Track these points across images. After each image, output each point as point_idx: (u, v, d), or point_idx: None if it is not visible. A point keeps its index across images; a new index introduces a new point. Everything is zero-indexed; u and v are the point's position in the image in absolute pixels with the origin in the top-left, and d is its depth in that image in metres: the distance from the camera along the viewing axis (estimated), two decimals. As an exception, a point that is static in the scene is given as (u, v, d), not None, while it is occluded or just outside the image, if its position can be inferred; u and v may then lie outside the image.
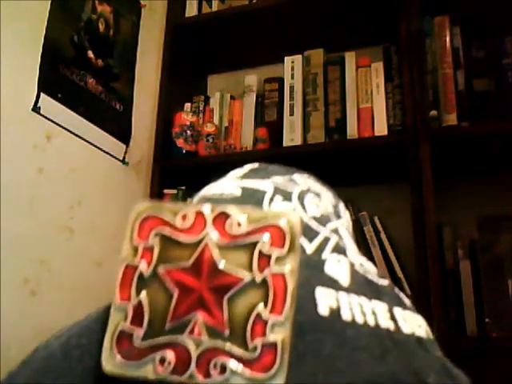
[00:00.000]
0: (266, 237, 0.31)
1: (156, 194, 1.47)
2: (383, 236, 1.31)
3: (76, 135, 1.29)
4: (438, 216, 1.19)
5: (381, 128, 1.35)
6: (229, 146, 1.53)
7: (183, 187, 1.47)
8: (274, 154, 1.41)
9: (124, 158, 1.47)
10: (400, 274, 1.25)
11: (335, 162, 1.40)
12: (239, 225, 0.31)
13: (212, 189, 0.45)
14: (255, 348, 0.28)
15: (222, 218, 0.31)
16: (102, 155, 1.38)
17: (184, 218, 0.32)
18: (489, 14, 1.35)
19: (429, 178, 1.18)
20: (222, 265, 0.30)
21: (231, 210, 0.32)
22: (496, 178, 1.35)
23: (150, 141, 1.57)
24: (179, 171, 1.52)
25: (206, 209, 0.32)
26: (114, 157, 1.43)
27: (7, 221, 1.07)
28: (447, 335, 1.10)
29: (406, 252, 1.26)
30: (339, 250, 0.39)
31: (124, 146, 1.47)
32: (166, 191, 1.48)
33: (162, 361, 0.29)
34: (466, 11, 1.34)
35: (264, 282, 0.30)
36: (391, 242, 1.30)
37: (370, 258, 1.29)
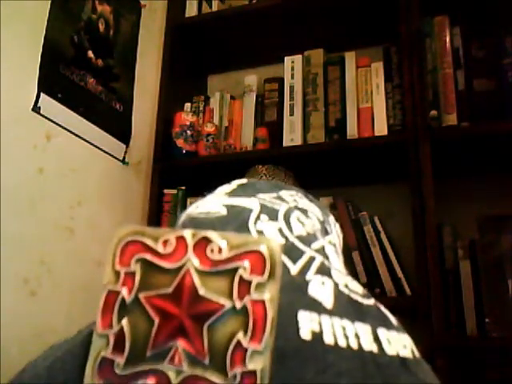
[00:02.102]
0: (246, 263, 0.31)
1: (156, 193, 1.47)
2: (383, 236, 1.31)
3: (76, 135, 1.29)
4: (438, 216, 1.19)
5: (381, 128, 1.35)
6: (229, 146, 1.53)
7: (183, 187, 1.47)
8: (274, 154, 1.41)
9: (124, 157, 1.47)
10: (400, 274, 1.25)
11: (335, 161, 1.40)
12: (220, 251, 0.31)
13: (199, 207, 0.45)
14: (235, 376, 0.28)
15: (203, 244, 0.31)
16: (102, 155, 1.38)
17: (165, 243, 0.32)
18: (489, 14, 1.35)
19: (429, 178, 1.18)
20: (202, 292, 0.30)
21: (212, 235, 0.32)
22: (496, 178, 1.35)
23: (149, 141, 1.57)
24: (179, 171, 1.51)
25: (187, 234, 0.32)
26: (114, 157, 1.43)
27: (7, 221, 1.07)
28: (447, 335, 1.10)
29: (406, 252, 1.26)
30: (324, 271, 0.39)
31: (124, 146, 1.47)
32: (165, 191, 1.48)
33: None
34: (466, 11, 1.34)
35: (244, 309, 0.30)
36: (391, 242, 1.30)
37: (370, 257, 1.29)
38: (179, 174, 1.50)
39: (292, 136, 1.43)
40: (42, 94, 1.20)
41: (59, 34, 1.28)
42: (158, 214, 1.46)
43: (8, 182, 1.09)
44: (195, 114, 1.59)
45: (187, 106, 1.65)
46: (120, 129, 1.47)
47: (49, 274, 1.17)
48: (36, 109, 1.19)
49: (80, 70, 1.33)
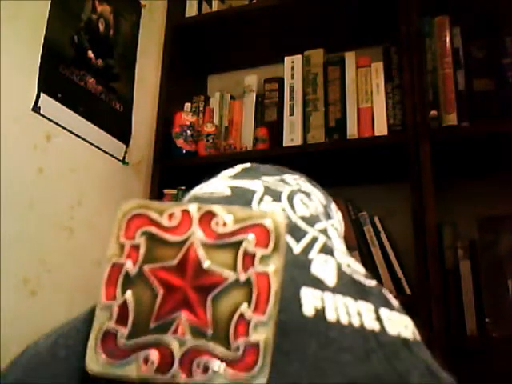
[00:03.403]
0: (250, 236, 0.31)
1: (156, 193, 1.47)
2: (383, 236, 1.31)
3: (76, 135, 1.29)
4: (438, 216, 1.19)
5: (381, 128, 1.35)
6: (229, 146, 1.53)
7: (183, 187, 1.47)
8: (274, 154, 1.41)
9: (124, 157, 1.47)
10: (400, 274, 1.25)
11: (335, 161, 1.40)
12: (225, 224, 0.31)
13: (203, 188, 0.45)
14: (238, 348, 0.29)
15: (208, 217, 0.32)
16: (102, 155, 1.38)
17: (170, 216, 0.32)
18: (489, 14, 1.35)
19: (429, 178, 1.18)
20: (206, 264, 0.30)
21: (217, 209, 0.32)
22: (496, 178, 1.35)
23: (150, 141, 1.57)
24: (179, 171, 1.51)
25: (193, 208, 0.32)
26: (114, 157, 1.43)
27: (7, 221, 1.07)
28: (447, 335, 1.10)
29: (405, 252, 1.26)
30: (326, 250, 0.39)
31: (124, 146, 1.47)
32: (165, 191, 1.48)
33: (146, 360, 0.29)
34: (466, 11, 1.34)
35: (248, 281, 0.30)
36: (391, 242, 1.30)
37: (370, 257, 1.29)
38: (179, 174, 1.50)
39: (292, 136, 1.43)
40: (42, 94, 1.20)
41: (59, 34, 1.28)
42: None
43: (8, 181, 1.09)
44: (195, 114, 1.59)
45: (187, 105, 1.65)
46: (120, 129, 1.47)
47: (49, 273, 1.17)
48: (36, 109, 1.19)
49: (80, 70, 1.33)
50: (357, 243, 1.31)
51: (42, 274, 1.16)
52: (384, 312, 0.35)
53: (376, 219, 1.33)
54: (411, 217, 1.19)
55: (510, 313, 1.12)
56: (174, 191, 1.48)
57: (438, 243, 1.19)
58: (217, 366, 0.28)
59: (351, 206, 1.36)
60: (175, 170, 1.52)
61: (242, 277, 0.30)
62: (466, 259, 1.19)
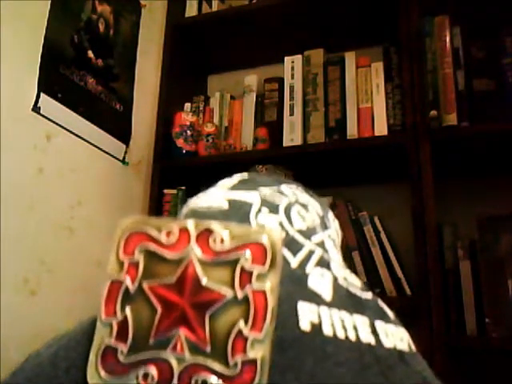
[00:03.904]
0: (247, 254, 0.31)
1: (156, 194, 1.47)
2: (383, 236, 1.31)
3: (76, 135, 1.30)
4: (438, 216, 1.19)
5: (381, 128, 1.35)
6: (229, 146, 1.53)
7: (183, 187, 1.47)
8: (274, 154, 1.41)
9: (124, 157, 1.47)
10: (400, 274, 1.25)
11: (335, 161, 1.40)
12: (222, 241, 0.32)
13: (201, 201, 0.45)
14: (236, 364, 0.29)
15: (205, 235, 0.32)
16: (102, 155, 1.38)
17: (169, 234, 0.32)
18: (489, 14, 1.35)
19: (429, 177, 1.18)
20: (204, 281, 0.31)
21: (215, 226, 0.32)
22: (496, 178, 1.35)
23: (150, 141, 1.57)
24: (179, 171, 1.51)
25: (190, 225, 0.32)
26: (114, 157, 1.43)
27: (7, 221, 1.07)
28: (447, 335, 1.10)
29: (406, 252, 1.26)
30: (323, 263, 0.39)
31: (124, 146, 1.47)
32: (165, 191, 1.48)
33: (146, 376, 0.29)
34: (466, 11, 1.34)
35: (245, 298, 0.30)
36: (391, 242, 1.30)
37: (370, 257, 1.29)
38: (179, 174, 1.50)
39: (292, 136, 1.43)
40: (42, 94, 1.20)
41: (59, 33, 1.28)
42: (158, 214, 1.46)
43: (8, 182, 1.09)
44: (195, 114, 1.59)
45: (187, 105, 1.65)
46: (120, 129, 1.47)
47: (49, 273, 1.17)
48: (36, 109, 1.19)
49: (80, 70, 1.33)
50: (357, 243, 1.31)
51: (42, 274, 1.16)
52: (380, 325, 0.36)
53: (376, 219, 1.33)
54: (411, 217, 1.19)
55: (510, 313, 1.12)
56: (174, 191, 1.48)
57: (438, 243, 1.19)
58: (215, 382, 0.29)
59: (351, 206, 1.36)
60: (175, 170, 1.52)
61: (240, 294, 0.31)
62: (465, 259, 1.19)
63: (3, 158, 1.09)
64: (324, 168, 1.43)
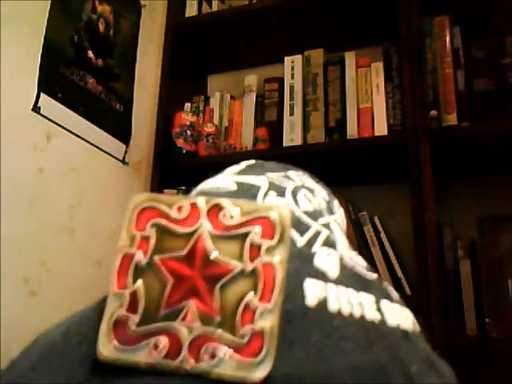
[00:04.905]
0: (257, 228, 0.32)
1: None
2: (383, 236, 1.31)
3: (76, 135, 1.30)
4: (438, 216, 1.19)
5: (381, 128, 1.35)
6: (229, 146, 1.53)
7: (183, 187, 1.47)
8: (274, 154, 1.41)
9: (124, 157, 1.47)
10: (400, 274, 1.25)
11: (335, 161, 1.40)
12: (232, 216, 0.32)
13: (209, 183, 0.46)
14: (244, 335, 0.30)
15: (215, 210, 0.33)
16: (102, 155, 1.38)
17: (180, 209, 0.33)
18: (489, 14, 1.35)
19: (429, 178, 1.18)
20: (214, 255, 0.32)
21: (225, 202, 0.33)
22: (496, 178, 1.35)
23: (150, 141, 1.57)
24: (179, 171, 1.52)
25: (201, 201, 0.33)
26: (114, 157, 1.43)
27: (7, 221, 1.07)
28: (447, 335, 1.10)
29: (406, 252, 1.26)
30: (329, 243, 0.40)
31: (124, 146, 1.47)
32: (165, 191, 1.48)
33: (156, 346, 0.30)
34: (466, 11, 1.34)
35: (254, 271, 0.31)
36: (391, 242, 1.30)
37: (370, 257, 1.29)
38: (179, 174, 1.50)
39: (292, 136, 1.43)
40: (42, 94, 1.20)
41: (59, 34, 1.28)
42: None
43: (8, 181, 1.09)
44: (195, 114, 1.59)
45: (187, 105, 1.65)
46: (120, 129, 1.47)
47: (49, 273, 1.17)
48: (36, 109, 1.19)
49: (80, 70, 1.33)
50: (357, 243, 1.31)
51: (42, 274, 1.16)
52: (385, 303, 0.36)
53: (376, 219, 1.33)
54: (411, 217, 1.19)
55: (510, 313, 1.12)
56: (174, 191, 1.48)
57: (438, 243, 1.19)
58: (224, 352, 0.29)
59: (351, 206, 1.36)
60: (175, 170, 1.52)
61: (249, 267, 0.31)
62: (465, 259, 1.19)
63: (3, 158, 1.09)
64: (324, 168, 1.42)
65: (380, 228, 1.32)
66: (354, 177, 1.47)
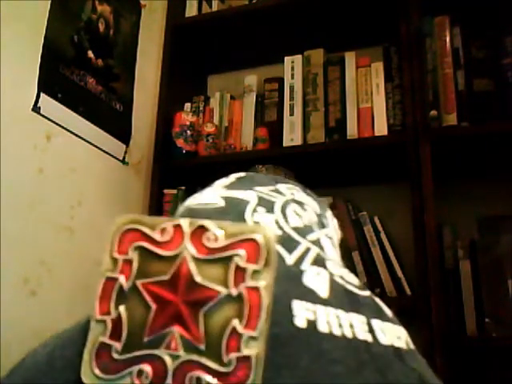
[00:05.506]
0: (241, 252, 0.31)
1: (156, 194, 1.47)
2: (383, 236, 1.31)
3: (76, 135, 1.29)
4: (438, 216, 1.19)
5: (381, 128, 1.35)
6: (229, 146, 1.53)
7: (183, 187, 1.47)
8: (274, 154, 1.41)
9: (124, 157, 1.47)
10: (400, 274, 1.25)
11: (335, 161, 1.40)
12: (216, 239, 0.32)
13: (197, 199, 0.45)
14: (230, 362, 0.29)
15: (199, 232, 0.32)
16: (102, 155, 1.38)
17: (163, 231, 0.32)
18: (489, 14, 1.35)
19: (429, 178, 1.18)
20: (198, 279, 0.31)
21: (209, 224, 0.32)
22: (496, 178, 1.34)
23: (150, 141, 1.57)
24: (179, 171, 1.51)
25: (184, 223, 0.32)
26: (114, 157, 1.43)
27: (7, 221, 1.07)
28: (447, 335, 1.10)
29: (406, 252, 1.26)
30: (319, 261, 0.39)
31: (124, 146, 1.47)
32: (165, 191, 1.48)
33: (140, 374, 0.29)
34: (466, 11, 1.34)
35: (239, 296, 0.30)
36: (391, 242, 1.30)
37: (370, 257, 1.29)
38: (179, 173, 1.50)
39: (292, 136, 1.43)
40: (42, 94, 1.20)
41: (59, 34, 1.28)
42: (158, 214, 1.46)
43: (8, 181, 1.09)
44: (195, 114, 1.59)
45: (187, 106, 1.64)
46: (120, 129, 1.47)
47: (49, 273, 1.17)
48: (36, 109, 1.19)
49: (80, 70, 1.33)
50: (357, 243, 1.31)
51: (42, 274, 1.16)
52: (376, 323, 0.35)
53: (376, 219, 1.33)
54: (411, 217, 1.19)
55: (510, 313, 1.12)
56: (174, 191, 1.48)
57: (438, 243, 1.19)
58: (209, 380, 0.29)
59: (351, 206, 1.36)
60: (175, 170, 1.52)
61: (234, 292, 0.30)
62: (465, 259, 1.19)
63: (3, 157, 1.08)
64: (324, 168, 1.43)
65: (380, 228, 1.32)
66: (354, 177, 1.47)
